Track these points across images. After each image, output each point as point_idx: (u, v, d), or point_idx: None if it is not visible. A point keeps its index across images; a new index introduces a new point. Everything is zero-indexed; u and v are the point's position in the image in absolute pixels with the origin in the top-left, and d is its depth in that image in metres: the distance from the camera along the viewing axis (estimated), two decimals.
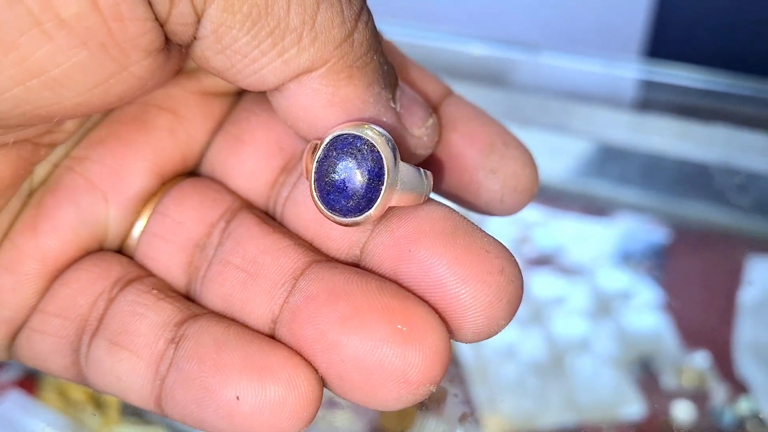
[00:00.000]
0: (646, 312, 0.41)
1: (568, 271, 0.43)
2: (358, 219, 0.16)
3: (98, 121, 0.20)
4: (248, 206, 0.19)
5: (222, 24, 0.15)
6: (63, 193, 0.19)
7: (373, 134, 0.16)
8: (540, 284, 0.43)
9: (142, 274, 0.19)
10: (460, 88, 0.21)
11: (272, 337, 0.17)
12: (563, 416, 0.37)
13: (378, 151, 0.16)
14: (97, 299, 0.18)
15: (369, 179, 0.16)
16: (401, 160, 0.17)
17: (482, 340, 0.17)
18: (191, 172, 0.21)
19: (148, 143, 0.19)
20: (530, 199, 0.20)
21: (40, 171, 0.19)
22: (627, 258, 0.44)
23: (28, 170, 0.19)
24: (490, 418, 0.37)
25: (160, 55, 0.16)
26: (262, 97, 0.20)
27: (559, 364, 0.39)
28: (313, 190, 0.17)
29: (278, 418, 0.16)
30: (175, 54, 0.17)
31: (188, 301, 0.18)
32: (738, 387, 0.37)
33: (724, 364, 0.38)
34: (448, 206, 0.17)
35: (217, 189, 0.20)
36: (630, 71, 0.43)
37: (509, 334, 0.40)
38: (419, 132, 0.18)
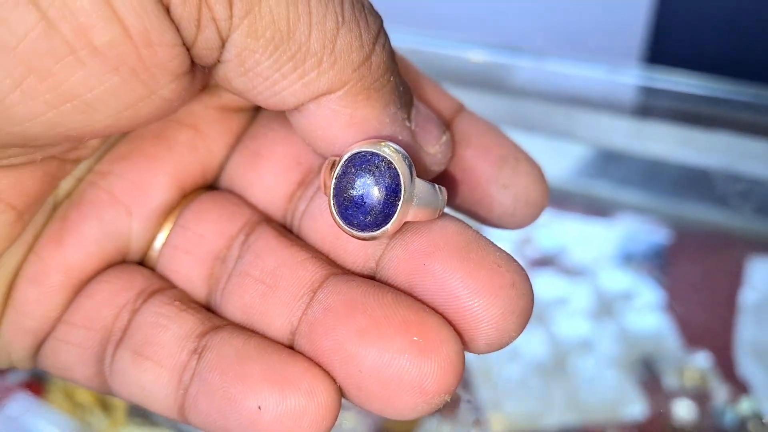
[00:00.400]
0: (647, 313, 0.41)
1: (571, 272, 0.44)
2: (375, 234, 0.17)
3: (121, 136, 0.20)
4: (267, 220, 0.20)
5: (245, 48, 0.16)
6: (87, 207, 0.19)
7: (390, 152, 0.17)
8: (542, 285, 0.43)
9: (164, 286, 0.19)
10: (461, 95, 0.22)
11: (291, 347, 0.17)
12: (566, 416, 0.37)
13: (395, 168, 0.17)
14: (120, 311, 0.19)
15: (386, 195, 0.17)
16: (416, 176, 0.17)
17: (494, 351, 0.17)
18: (210, 186, 0.21)
19: (170, 158, 0.20)
20: (540, 213, 0.20)
21: (64, 185, 0.20)
22: (629, 259, 0.44)
23: (54, 185, 0.19)
24: (494, 419, 0.37)
25: (185, 78, 0.16)
26: (279, 112, 0.20)
27: (562, 365, 0.39)
28: (332, 205, 0.17)
29: (299, 427, 0.16)
30: (200, 75, 0.17)
31: (209, 312, 0.19)
32: (739, 387, 0.37)
33: (725, 365, 0.38)
34: (461, 221, 0.18)
35: (236, 202, 0.20)
36: (631, 77, 0.43)
37: None
38: (434, 149, 0.19)
